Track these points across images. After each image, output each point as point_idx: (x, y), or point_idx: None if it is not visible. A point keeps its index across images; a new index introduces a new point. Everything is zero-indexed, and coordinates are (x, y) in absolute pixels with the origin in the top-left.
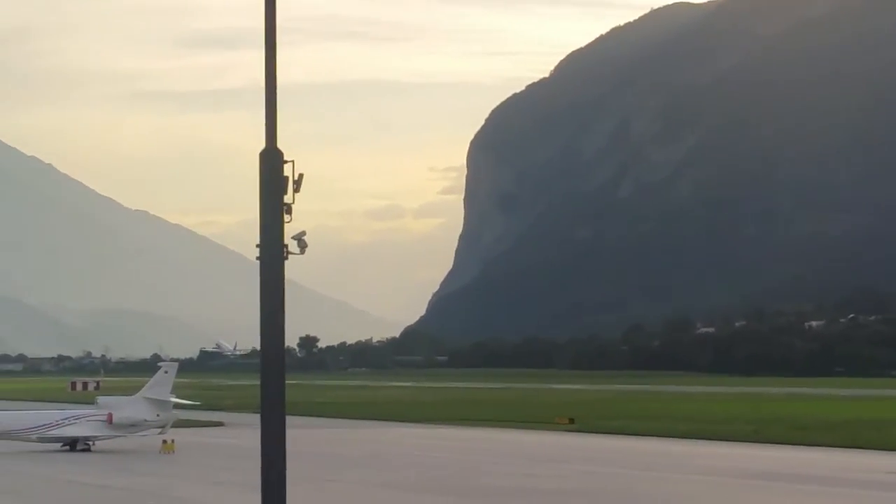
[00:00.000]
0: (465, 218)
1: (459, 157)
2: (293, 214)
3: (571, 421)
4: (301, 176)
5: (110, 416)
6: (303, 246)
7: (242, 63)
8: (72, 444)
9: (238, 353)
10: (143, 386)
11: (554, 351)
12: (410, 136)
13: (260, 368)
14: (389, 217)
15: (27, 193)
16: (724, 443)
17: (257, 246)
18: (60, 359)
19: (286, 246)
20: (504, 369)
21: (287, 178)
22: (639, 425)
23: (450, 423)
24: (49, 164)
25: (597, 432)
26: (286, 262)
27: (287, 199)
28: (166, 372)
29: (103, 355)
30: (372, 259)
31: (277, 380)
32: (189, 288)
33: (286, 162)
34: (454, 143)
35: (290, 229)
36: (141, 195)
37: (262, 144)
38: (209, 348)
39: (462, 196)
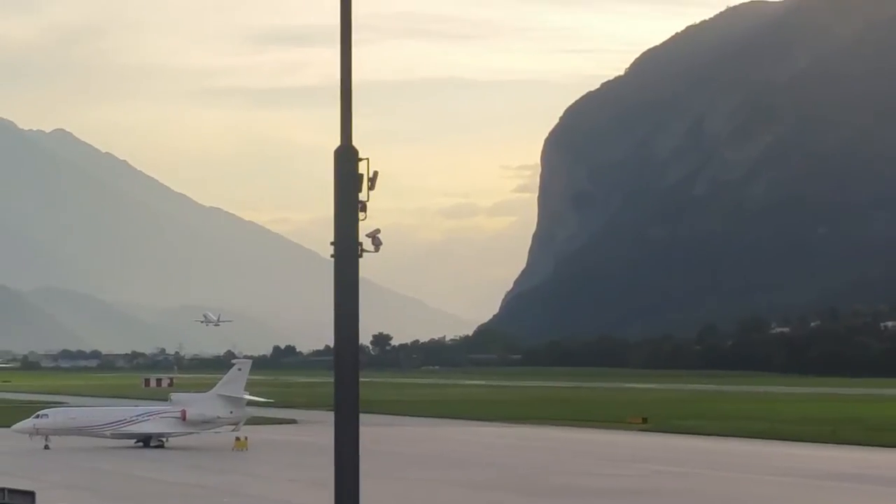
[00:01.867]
0: (538, 216)
1: (533, 155)
2: (367, 212)
3: (645, 420)
4: (376, 174)
5: (184, 412)
6: (377, 244)
7: (317, 60)
8: (145, 441)
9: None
10: (216, 383)
11: (627, 350)
12: (484, 134)
13: (334, 366)
14: (463, 215)
15: (102, 190)
16: (800, 443)
17: (332, 244)
18: (134, 355)
19: (361, 244)
20: (577, 368)
21: (362, 175)
22: (712, 425)
23: (523, 421)
24: (123, 161)
25: (670, 432)
26: (360, 260)
27: (362, 196)
28: (240, 369)
29: (177, 352)
30: (445, 257)
31: (351, 377)
32: (262, 285)
33: (361, 160)
34: (528, 141)
35: (364, 227)
36: (214, 192)
37: (336, 142)
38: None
39: (536, 194)
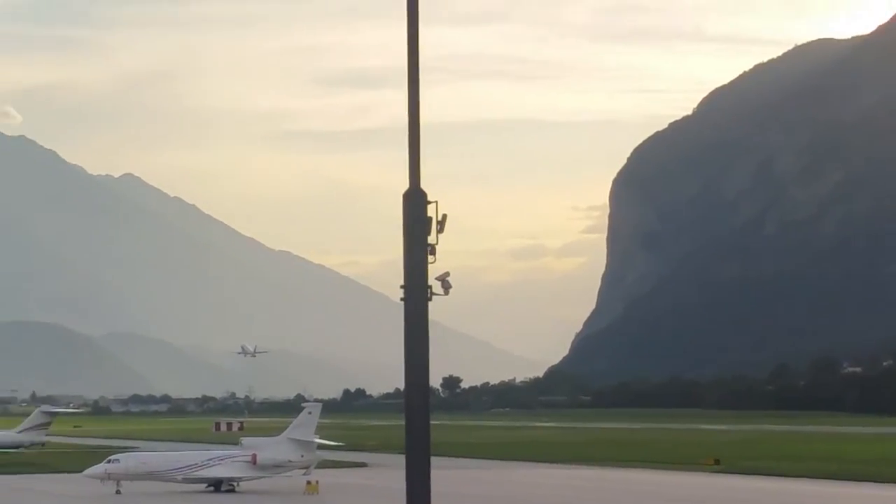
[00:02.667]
0: (607, 257)
1: (602, 196)
2: (436, 255)
3: (717, 462)
4: (445, 217)
5: (254, 456)
6: (447, 287)
7: (385, 102)
8: (216, 485)
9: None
10: (286, 427)
11: (699, 391)
12: (553, 175)
13: (404, 409)
14: (532, 256)
15: (171, 234)
16: (873, 484)
17: (401, 287)
18: (205, 399)
19: (430, 287)
20: (648, 409)
21: (431, 218)
22: (786, 466)
23: (594, 463)
24: (192, 205)
25: (743, 473)
26: (429, 303)
27: (431, 239)
28: (310, 413)
29: (247, 396)
30: (514, 299)
31: (422, 420)
32: (332, 328)
33: (430, 202)
34: (597, 182)
35: (433, 270)
36: (284, 235)
37: (405, 184)
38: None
39: (605, 235)
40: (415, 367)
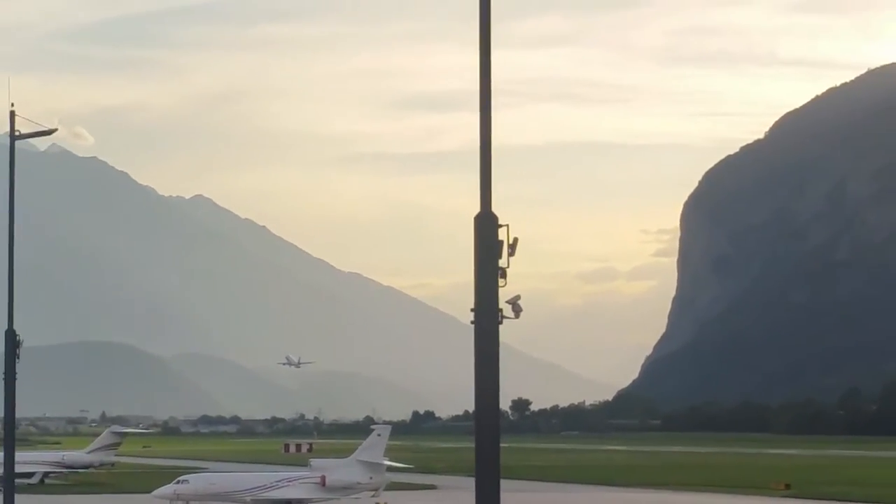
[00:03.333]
0: (678, 280)
1: (673, 220)
2: (507, 278)
3: (788, 486)
4: (516, 240)
5: (323, 478)
6: (517, 310)
7: (457, 125)
8: None
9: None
10: (355, 448)
11: (770, 415)
12: (623, 198)
13: (475, 432)
14: (602, 279)
15: (242, 256)
16: None
17: (472, 310)
18: (274, 420)
19: (501, 310)
20: (719, 434)
21: (502, 242)
22: (857, 492)
23: (663, 487)
24: (263, 227)
25: (814, 498)
26: (500, 326)
27: (502, 263)
28: (379, 435)
29: (316, 417)
30: (584, 322)
31: (492, 443)
32: (401, 350)
33: (501, 226)
34: (667, 205)
35: (504, 293)
36: (354, 257)
37: (475, 207)
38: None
39: (675, 258)
40: (485, 390)
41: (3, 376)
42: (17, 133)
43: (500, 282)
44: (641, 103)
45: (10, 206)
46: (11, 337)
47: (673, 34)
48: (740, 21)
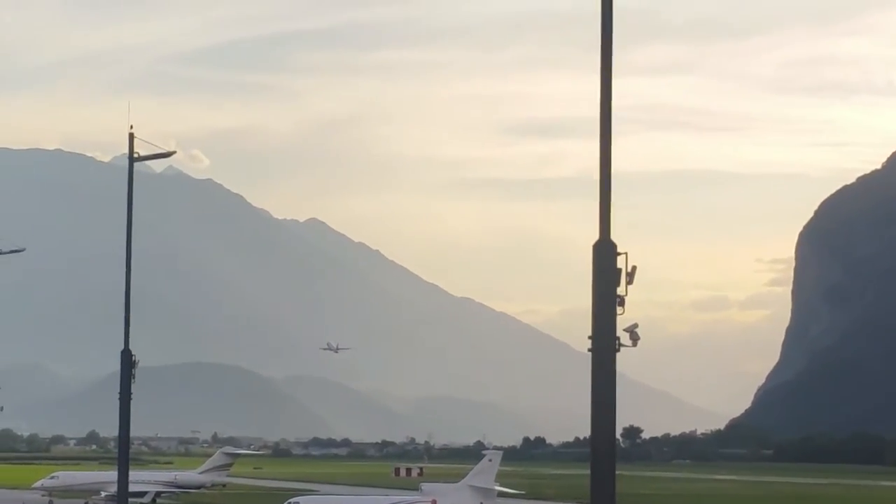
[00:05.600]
0: (792, 310)
1: (787, 249)
2: (625, 306)
3: None
4: (634, 268)
5: (434, 502)
6: (635, 338)
7: (571, 152)
8: None
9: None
10: (466, 473)
11: (884, 447)
12: (738, 227)
13: (590, 458)
14: (714, 308)
15: (354, 280)
16: None
17: (589, 337)
18: (384, 444)
19: (618, 338)
20: (831, 465)
21: (620, 270)
22: None
23: None
24: (376, 251)
25: None
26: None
27: (620, 291)
28: (490, 460)
29: (426, 441)
30: (696, 350)
31: (608, 470)
32: (512, 376)
33: (619, 254)
34: (782, 235)
35: (621, 321)
36: (465, 282)
37: (587, 233)
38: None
39: (789, 288)
40: (602, 418)
41: (118, 395)
42: (136, 155)
43: (618, 310)
44: (757, 132)
45: (127, 226)
46: (127, 357)
47: (789, 63)
48: (857, 50)
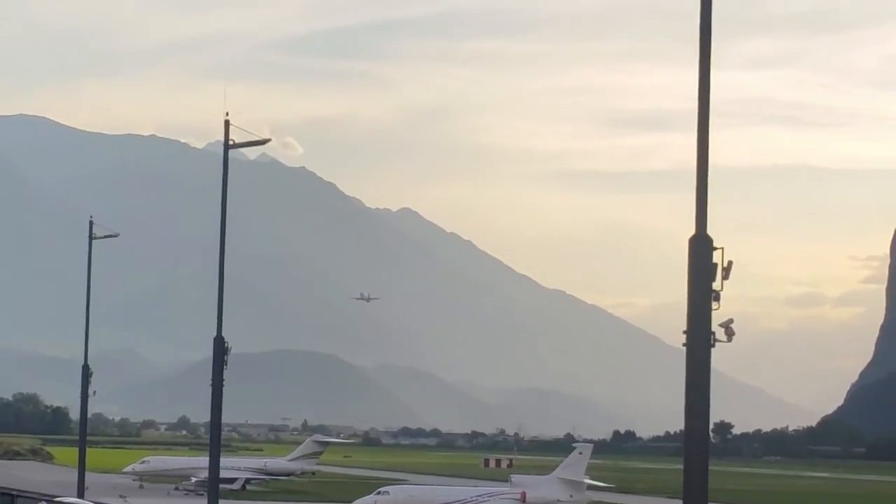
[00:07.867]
0: (886, 308)
1: (882, 246)
2: (720, 301)
3: None
4: (730, 263)
5: (524, 494)
6: (730, 334)
7: (667, 145)
8: None
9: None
10: (556, 466)
11: None
12: (834, 223)
13: (684, 454)
14: (808, 304)
15: (446, 270)
16: None
17: (684, 332)
18: (474, 435)
19: (713, 333)
20: None
21: (716, 265)
22: None
23: None
24: (468, 241)
25: None
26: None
27: (715, 286)
28: (580, 453)
29: (517, 433)
30: (788, 346)
31: (701, 466)
32: (603, 369)
33: (715, 249)
34: (878, 232)
35: (716, 316)
36: (558, 275)
37: (682, 227)
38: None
39: (884, 285)
40: (695, 414)
41: (210, 382)
42: (231, 142)
43: (714, 305)
44: (856, 127)
45: (222, 213)
46: (220, 344)
47: (890, 58)
48: None
